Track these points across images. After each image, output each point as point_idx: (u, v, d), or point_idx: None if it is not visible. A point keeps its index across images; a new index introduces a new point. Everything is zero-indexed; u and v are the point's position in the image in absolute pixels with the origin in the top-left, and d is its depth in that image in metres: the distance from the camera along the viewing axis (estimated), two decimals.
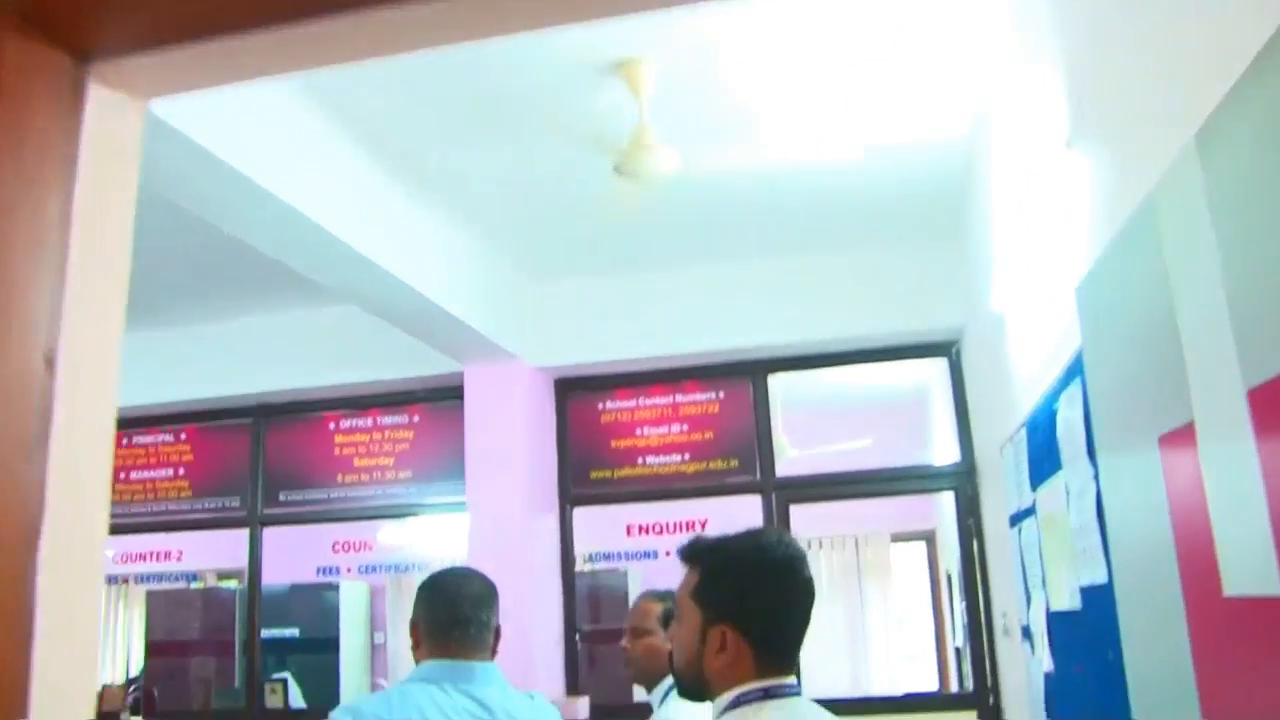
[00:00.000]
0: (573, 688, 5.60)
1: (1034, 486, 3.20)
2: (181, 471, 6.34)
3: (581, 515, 5.87)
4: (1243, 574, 1.39)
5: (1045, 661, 3.19)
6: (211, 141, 3.07)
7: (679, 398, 5.76)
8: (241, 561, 6.18)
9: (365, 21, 1.09)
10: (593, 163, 3.98)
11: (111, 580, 8.23)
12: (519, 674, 4.71)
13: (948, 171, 4.41)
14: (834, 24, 3.38)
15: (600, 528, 6.15)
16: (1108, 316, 2.05)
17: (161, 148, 3.00)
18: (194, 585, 7.76)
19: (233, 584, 7.00)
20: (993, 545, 4.84)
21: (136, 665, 7.53)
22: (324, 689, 6.65)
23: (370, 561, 7.24)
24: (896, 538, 9.02)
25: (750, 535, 1.65)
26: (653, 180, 3.74)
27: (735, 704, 1.54)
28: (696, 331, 5.46)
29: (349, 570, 7.32)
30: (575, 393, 5.89)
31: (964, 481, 5.32)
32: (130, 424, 6.39)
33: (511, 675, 2.34)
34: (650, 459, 5.74)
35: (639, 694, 2.98)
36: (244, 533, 6.14)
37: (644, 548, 6.30)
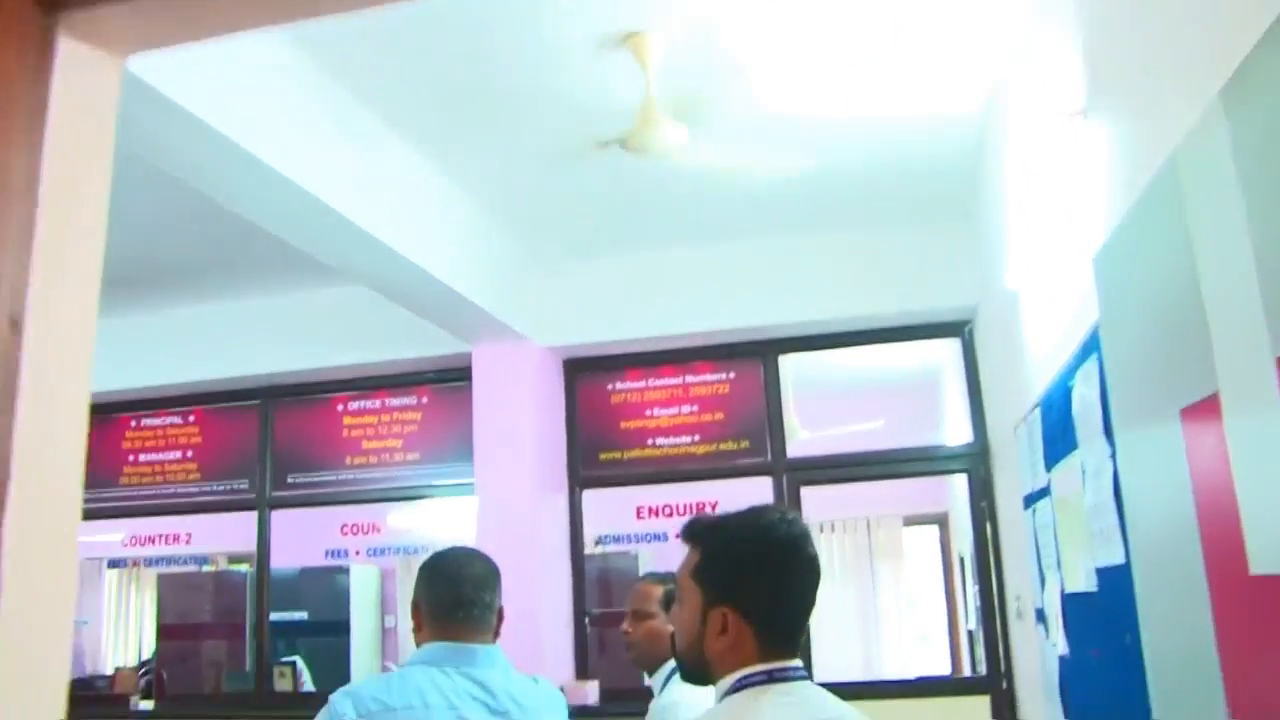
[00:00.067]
0: (582, 672, 5.57)
1: (1049, 467, 3.16)
2: (190, 454, 6.33)
3: (591, 497, 5.83)
4: (1270, 551, 1.33)
5: (1060, 645, 3.14)
6: (212, 114, 3.02)
7: (689, 378, 5.71)
8: (250, 544, 6.17)
9: None
10: (600, 139, 3.92)
11: (120, 564, 8.25)
12: (527, 658, 4.70)
13: (960, 147, 4.34)
14: None
15: (610, 510, 6.11)
16: (1127, 286, 1.99)
17: (156, 117, 2.94)
18: (205, 568, 7.76)
19: (244, 567, 6.99)
20: (1006, 527, 4.79)
21: (148, 648, 7.54)
22: (335, 672, 6.63)
23: (379, 544, 7.22)
24: (909, 521, 8.96)
25: (752, 513, 1.59)
26: (660, 156, 3.68)
27: (738, 687, 1.49)
28: (707, 311, 5.40)
29: (358, 553, 7.30)
30: (584, 373, 5.84)
31: (977, 463, 5.26)
32: (138, 406, 6.38)
33: (520, 659, 2.30)
34: (660, 440, 5.69)
35: (648, 678, 2.93)
36: (253, 515, 6.12)
37: (654, 530, 6.26)
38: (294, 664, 6.18)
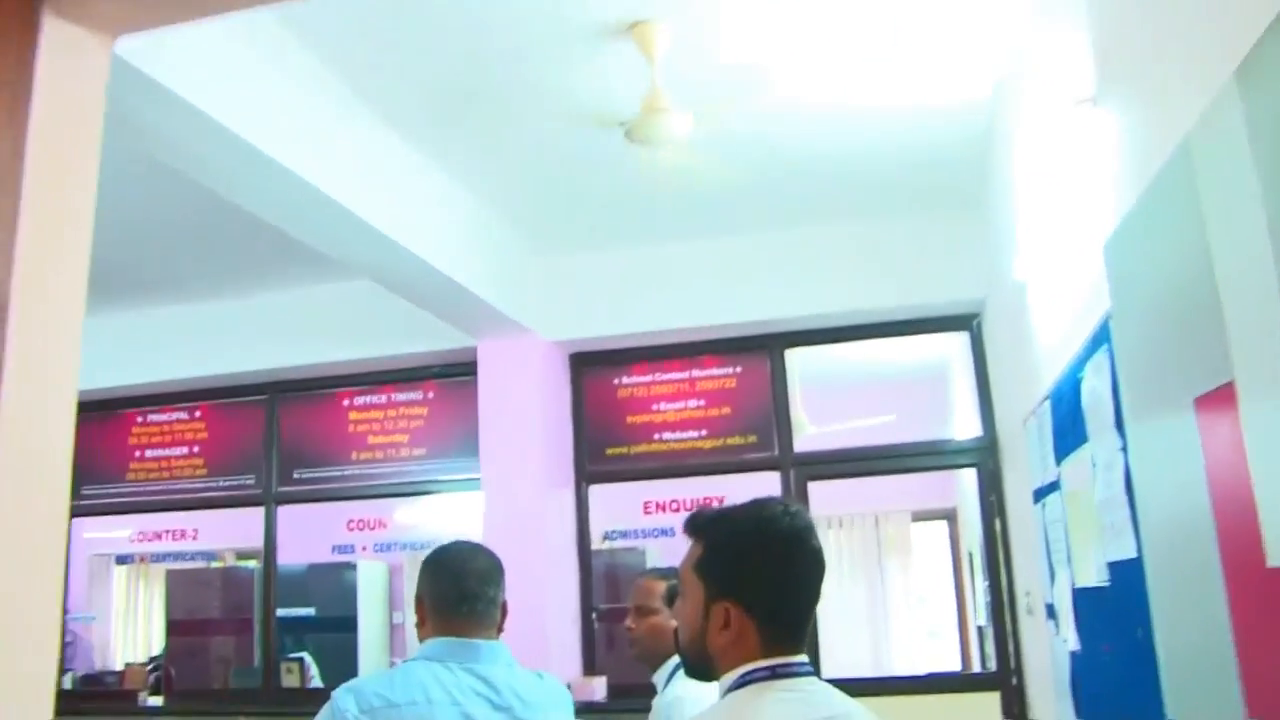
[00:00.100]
0: (589, 667, 5.55)
1: (1058, 460, 3.12)
2: (196, 449, 6.32)
3: (598, 493, 5.80)
4: None
5: (1071, 640, 3.10)
6: (213, 106, 3.00)
7: (696, 373, 5.68)
8: (257, 540, 6.16)
9: None
10: (605, 132, 3.89)
11: (128, 559, 8.26)
12: (534, 654, 4.68)
13: (968, 137, 4.30)
14: None
15: (617, 505, 6.10)
16: (1138, 273, 1.95)
17: (158, 110, 2.92)
18: (213, 565, 7.76)
19: (252, 564, 6.99)
20: (1015, 522, 4.76)
21: (158, 644, 7.54)
22: (343, 668, 6.61)
23: (386, 540, 7.21)
24: (917, 517, 8.92)
25: (755, 506, 1.56)
26: (665, 146, 3.64)
27: (741, 683, 1.46)
28: (712, 304, 5.37)
29: (364, 549, 7.30)
30: (591, 368, 5.82)
31: (986, 457, 5.22)
32: (145, 401, 6.38)
33: (526, 655, 2.27)
34: (667, 435, 5.66)
35: (652, 675, 2.91)
36: (259, 511, 6.12)
37: (662, 525, 6.24)
38: (302, 660, 6.18)
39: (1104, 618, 2.63)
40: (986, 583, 5.35)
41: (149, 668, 6.70)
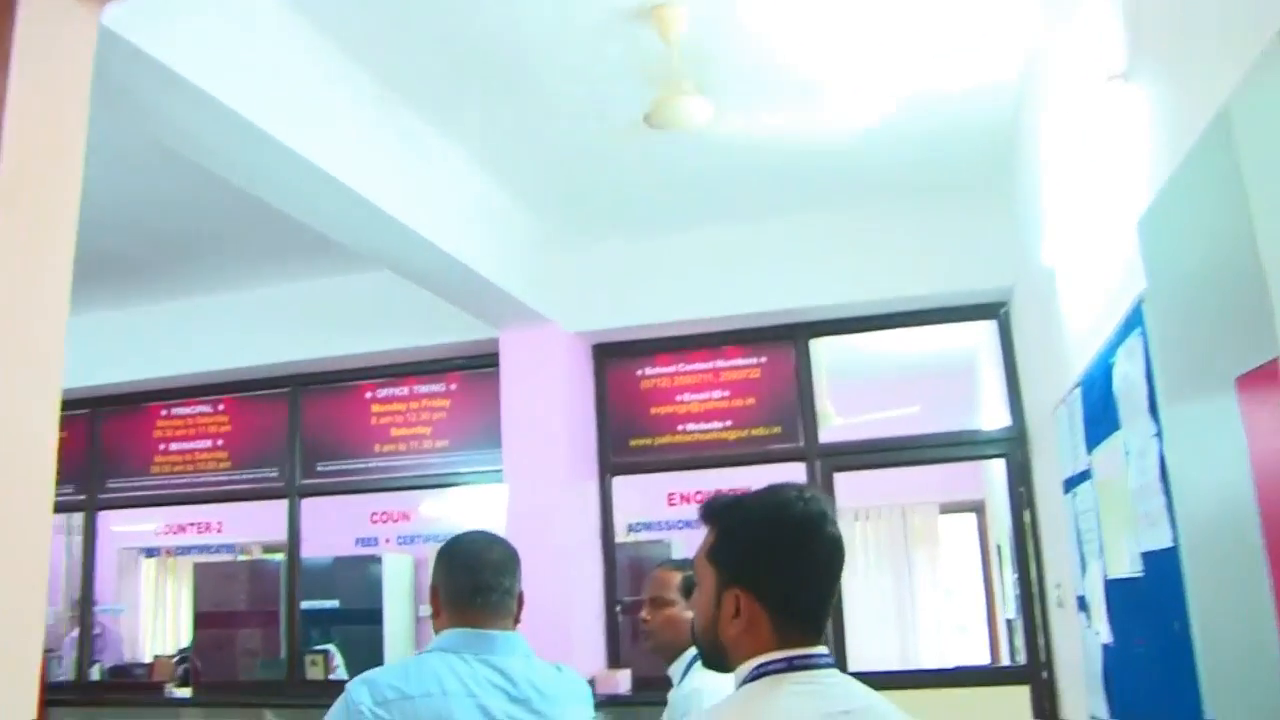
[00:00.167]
0: (614, 660, 5.52)
1: (1089, 449, 3.06)
2: (220, 443, 6.34)
3: (621, 484, 5.77)
4: None
5: (1103, 633, 3.03)
6: (231, 96, 2.97)
7: (719, 363, 5.63)
8: (281, 533, 6.17)
9: None
10: (626, 117, 3.84)
11: (155, 553, 8.31)
12: (558, 647, 4.65)
13: (996, 120, 4.21)
14: None
15: (641, 497, 6.05)
16: (1174, 249, 1.88)
17: (174, 98, 2.91)
18: (240, 558, 7.80)
19: (278, 556, 7.01)
20: (1045, 513, 4.68)
21: (185, 637, 7.59)
22: (370, 661, 6.60)
23: (410, 532, 7.20)
24: (945, 509, 8.84)
25: (768, 492, 1.50)
26: (685, 131, 3.59)
27: (756, 675, 1.41)
28: (736, 293, 5.31)
29: (388, 541, 7.29)
30: (614, 358, 5.78)
31: (1015, 448, 5.14)
32: (168, 395, 6.40)
33: (550, 648, 2.24)
34: (691, 426, 5.61)
35: (668, 667, 2.86)
36: (283, 504, 6.12)
37: (686, 517, 6.17)
38: (326, 652, 6.18)
39: (1138, 610, 2.57)
40: (1016, 575, 5.27)
41: (176, 660, 6.74)
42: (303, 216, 3.96)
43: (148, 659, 7.11)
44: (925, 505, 8.77)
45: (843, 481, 5.45)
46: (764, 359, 5.57)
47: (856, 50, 3.69)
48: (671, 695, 2.70)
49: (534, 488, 5.23)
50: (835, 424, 6.01)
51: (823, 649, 1.42)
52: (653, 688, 5.10)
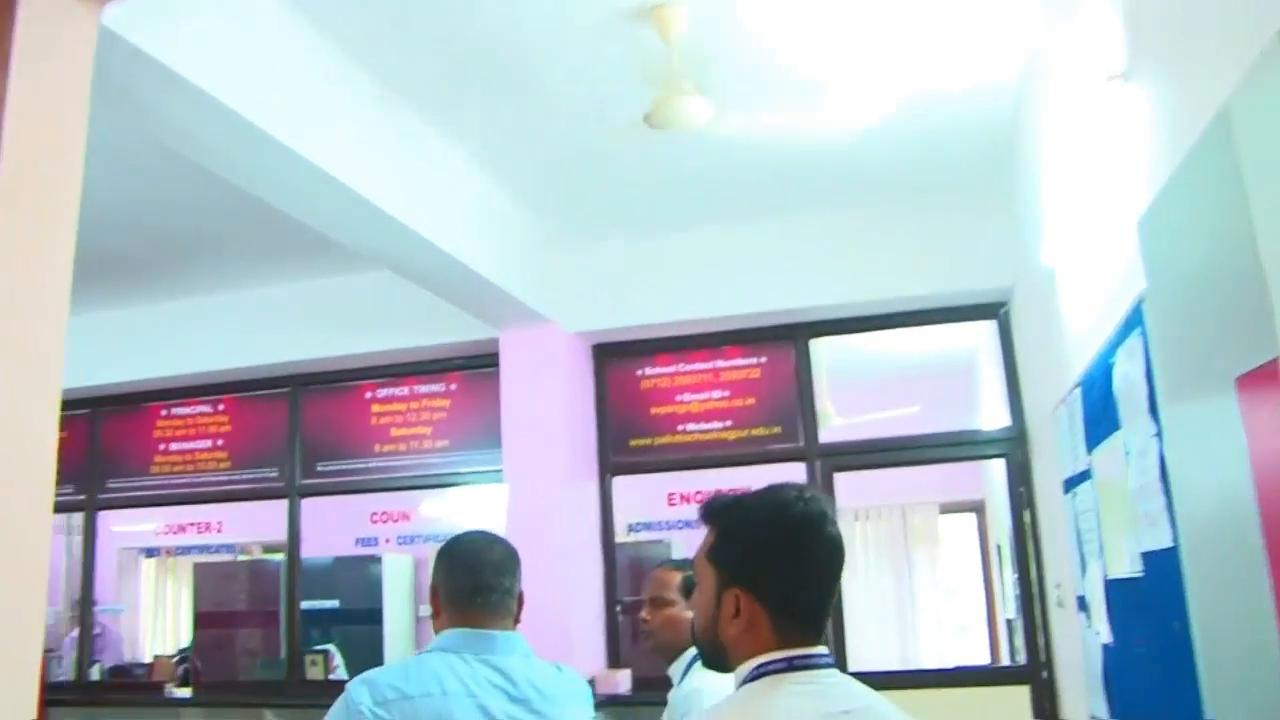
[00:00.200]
0: (614, 660, 5.52)
1: (1089, 449, 3.06)
2: (220, 443, 6.33)
3: (621, 484, 5.76)
4: None
5: (1103, 633, 3.03)
6: (226, 93, 2.97)
7: (719, 363, 5.62)
8: (281, 533, 6.17)
9: None
10: (626, 117, 3.84)
11: (155, 553, 8.31)
12: (558, 647, 4.65)
13: (996, 120, 4.21)
14: None
15: (641, 497, 6.04)
16: (1174, 249, 1.88)
17: (169, 96, 2.90)
18: (240, 558, 7.79)
19: (278, 557, 7.01)
20: (1045, 514, 4.67)
21: (186, 637, 7.59)
22: (369, 661, 6.60)
23: (410, 532, 7.20)
24: (945, 509, 8.83)
25: (768, 491, 1.50)
26: (685, 131, 3.59)
27: (756, 675, 1.40)
28: (736, 293, 5.31)
29: (388, 541, 7.29)
30: (613, 358, 5.77)
31: (1015, 448, 5.14)
32: (168, 395, 6.39)
33: (550, 648, 2.23)
34: (691, 426, 5.61)
35: (667, 668, 2.86)
36: (283, 504, 6.12)
37: (686, 517, 6.16)
38: (326, 652, 6.18)
39: (1138, 610, 2.57)
40: (1016, 575, 5.26)
41: (177, 660, 6.74)
42: (302, 216, 3.96)
43: (148, 659, 7.10)
44: (925, 505, 8.77)
45: (843, 481, 5.45)
46: (764, 359, 5.57)
47: (856, 50, 3.69)
48: (671, 695, 2.69)
49: (534, 488, 5.23)
50: (835, 424, 6.01)
51: (823, 649, 1.42)
52: (653, 688, 5.11)
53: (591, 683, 4.98)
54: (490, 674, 2.06)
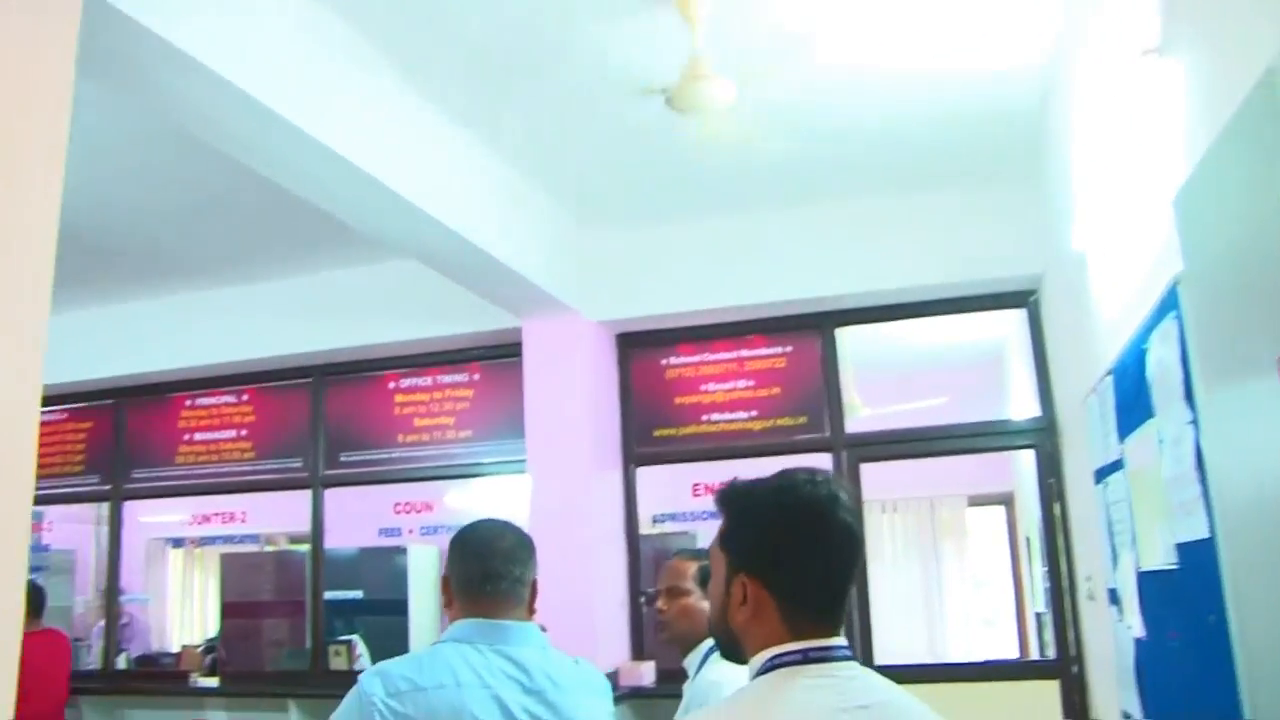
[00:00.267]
0: (638, 652, 5.48)
1: (1122, 438, 2.98)
2: (244, 433, 6.35)
3: (645, 475, 5.72)
4: None
5: (1135, 627, 2.96)
6: (246, 80, 2.94)
7: (744, 353, 5.56)
8: (304, 523, 6.17)
9: None
10: (649, 102, 3.78)
11: (179, 543, 8.36)
12: (582, 638, 4.61)
13: (1024, 103, 4.12)
14: None
15: (665, 488, 6.01)
16: (1213, 225, 1.81)
17: (196, 87, 2.89)
18: (266, 548, 7.83)
19: (304, 547, 7.03)
20: (1075, 505, 4.59)
21: (213, 626, 7.63)
22: (393, 652, 6.57)
23: (433, 522, 7.20)
24: (973, 502, 8.76)
25: (779, 476, 1.44)
26: (707, 114, 3.53)
27: (769, 667, 1.35)
28: (761, 281, 5.25)
29: (411, 532, 7.30)
30: (637, 348, 5.73)
31: (1044, 438, 5.05)
32: (192, 385, 6.42)
33: (574, 639, 2.19)
34: (716, 416, 5.56)
35: (683, 659, 2.80)
36: (306, 494, 6.12)
37: (711, 508, 6.12)
38: (350, 642, 6.19)
39: (1172, 603, 2.50)
40: (1045, 568, 5.18)
41: (203, 649, 6.77)
42: (324, 204, 3.94)
43: (175, 648, 7.15)
44: (953, 498, 8.69)
45: (869, 473, 5.38)
46: (789, 348, 5.50)
47: (884, 35, 3.62)
48: (687, 687, 2.64)
49: (557, 478, 5.20)
50: (862, 414, 5.94)
51: (840, 640, 1.36)
52: (676, 680, 5.02)
53: (615, 675, 4.96)
54: (504, 665, 2.02)
